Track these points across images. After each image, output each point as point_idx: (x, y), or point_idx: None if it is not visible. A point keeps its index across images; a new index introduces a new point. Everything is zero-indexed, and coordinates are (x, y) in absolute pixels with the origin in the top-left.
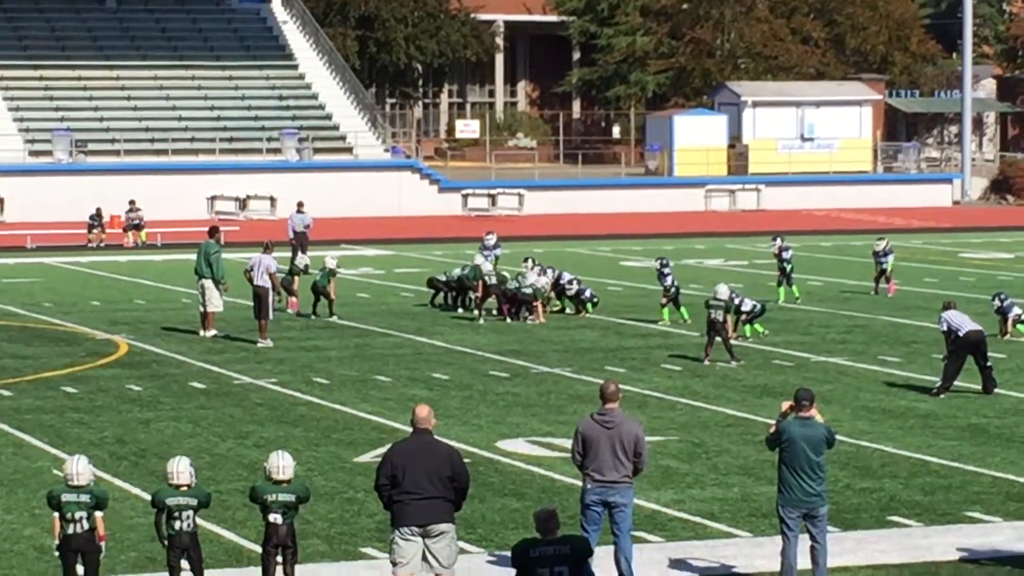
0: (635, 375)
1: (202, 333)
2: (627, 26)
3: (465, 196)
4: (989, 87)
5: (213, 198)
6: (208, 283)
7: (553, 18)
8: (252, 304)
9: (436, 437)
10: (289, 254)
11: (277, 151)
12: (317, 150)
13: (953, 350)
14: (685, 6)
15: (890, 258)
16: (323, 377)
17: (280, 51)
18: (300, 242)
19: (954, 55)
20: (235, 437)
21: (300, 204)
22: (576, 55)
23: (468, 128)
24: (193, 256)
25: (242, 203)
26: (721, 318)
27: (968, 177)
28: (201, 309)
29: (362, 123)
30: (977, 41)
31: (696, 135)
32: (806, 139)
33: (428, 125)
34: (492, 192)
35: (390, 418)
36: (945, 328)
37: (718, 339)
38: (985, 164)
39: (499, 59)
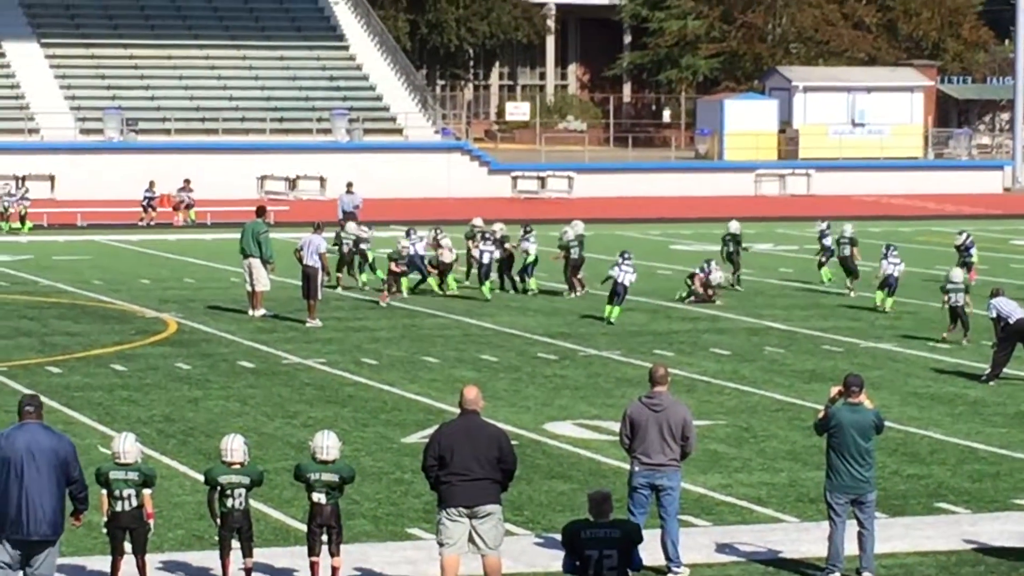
0: (684, 359)
1: (251, 313)
2: (679, 10)
3: (515, 178)
4: None
5: (263, 178)
6: (256, 262)
7: (604, 1)
8: (300, 284)
9: (484, 419)
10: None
11: (327, 131)
12: (367, 131)
13: (1003, 337)
14: None
15: (973, 250)
16: (371, 357)
17: (331, 31)
18: (350, 222)
19: (1007, 42)
20: (283, 417)
21: (349, 184)
22: (627, 38)
23: (518, 110)
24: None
25: (292, 183)
26: (961, 301)
27: (1020, 164)
28: (248, 288)
29: (412, 104)
30: None
31: (746, 120)
32: (857, 124)
33: (478, 107)
34: (542, 175)
35: (437, 399)
36: (995, 315)
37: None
38: None
39: (550, 41)
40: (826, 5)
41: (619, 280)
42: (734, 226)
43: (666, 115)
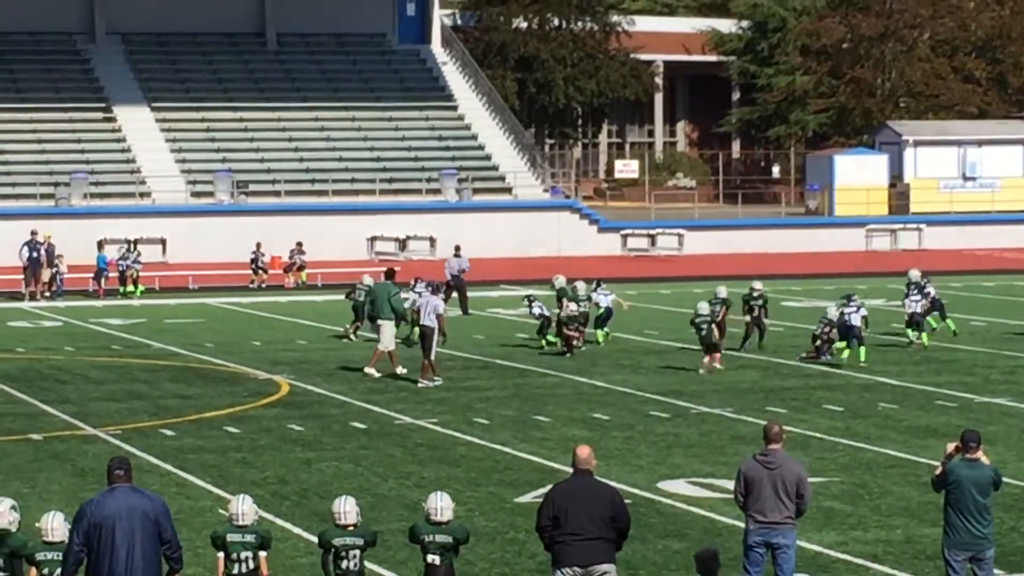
0: (796, 415)
1: (399, 370)
2: (787, 66)
3: (624, 236)
4: None
5: (373, 239)
6: (385, 323)
7: (712, 58)
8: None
9: (597, 478)
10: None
11: (437, 191)
12: (476, 190)
13: None
14: (845, 45)
15: None
16: (483, 417)
17: (440, 92)
18: (458, 285)
19: None
20: (396, 477)
21: (457, 248)
22: (736, 95)
23: (627, 168)
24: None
25: (402, 244)
26: None
27: None
28: (382, 349)
29: (521, 163)
30: None
31: (857, 174)
32: (968, 178)
33: (587, 165)
34: (652, 232)
35: (549, 458)
36: None
37: None
38: None
39: (658, 99)
40: (935, 59)
41: (604, 304)
42: (758, 285)
43: (775, 171)
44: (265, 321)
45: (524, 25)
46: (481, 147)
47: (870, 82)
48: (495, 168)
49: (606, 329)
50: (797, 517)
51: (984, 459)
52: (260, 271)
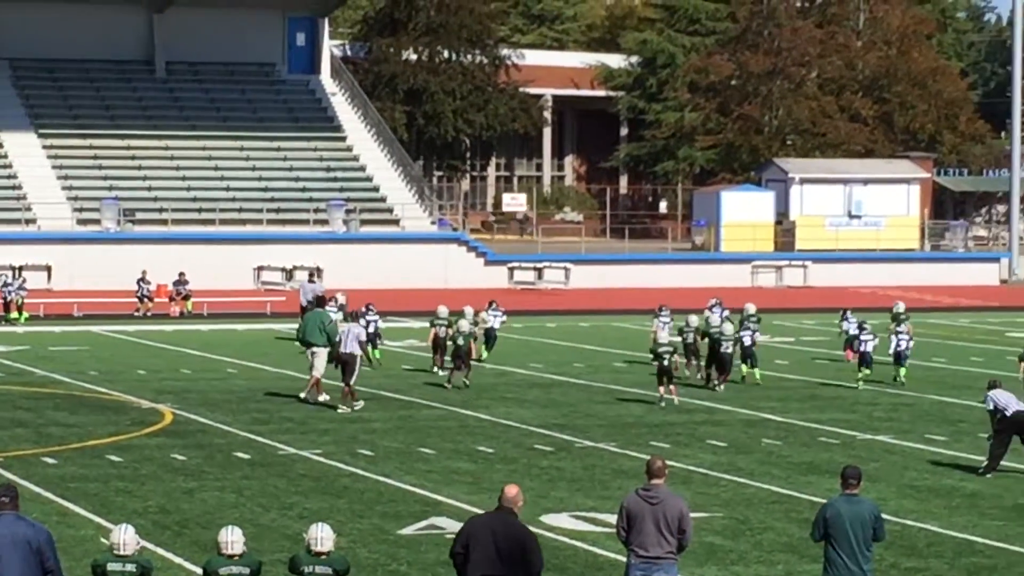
0: (680, 450)
1: (322, 398)
2: (675, 102)
3: (511, 269)
4: None
5: (260, 268)
6: (319, 350)
7: (601, 93)
8: (339, 370)
9: (515, 519)
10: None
11: (324, 222)
12: (364, 222)
13: (999, 429)
14: (734, 82)
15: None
16: (367, 448)
17: (328, 123)
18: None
19: (1003, 134)
20: (279, 508)
21: (312, 273)
22: (624, 130)
23: (515, 201)
24: (238, 326)
25: (288, 273)
26: None
27: (1016, 256)
28: (317, 375)
29: (409, 195)
30: None
31: (743, 211)
32: (853, 216)
33: (475, 198)
34: (538, 265)
35: (433, 491)
36: (991, 407)
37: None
38: None
39: (547, 133)
40: (823, 98)
41: (490, 325)
42: (694, 319)
43: (663, 206)
44: (150, 350)
45: (414, 57)
46: (369, 178)
47: (758, 119)
48: (383, 199)
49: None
50: (679, 552)
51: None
52: (146, 299)
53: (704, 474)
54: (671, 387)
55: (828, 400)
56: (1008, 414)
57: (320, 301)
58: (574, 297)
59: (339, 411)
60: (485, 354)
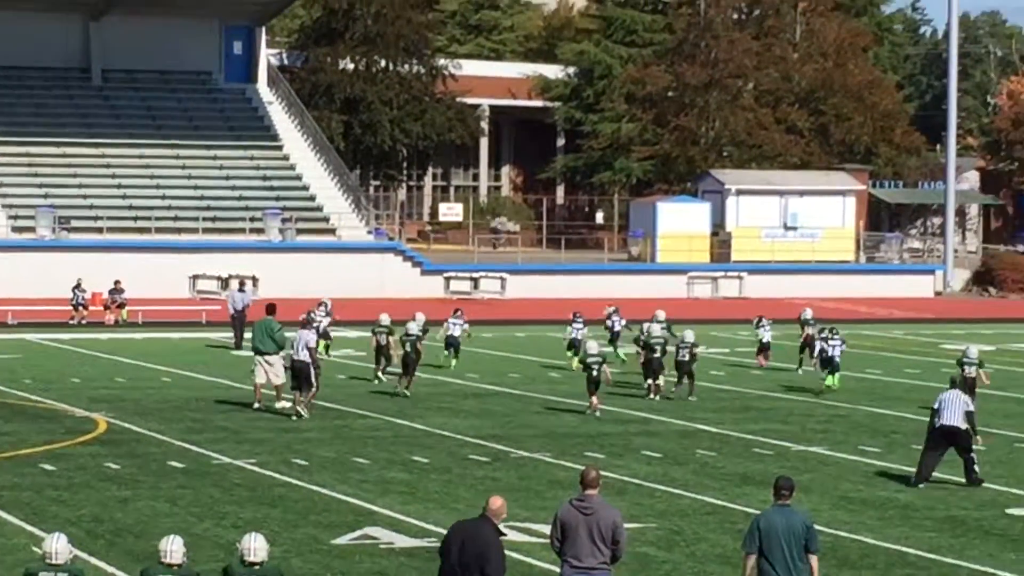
0: (614, 461)
1: (280, 405)
2: (612, 113)
3: (447, 279)
4: (973, 179)
5: (195, 277)
6: (273, 358)
7: (538, 103)
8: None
9: (491, 529)
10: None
11: (260, 231)
12: (300, 231)
13: (929, 439)
14: (670, 94)
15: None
16: (302, 458)
17: (265, 131)
18: (240, 321)
19: (938, 147)
20: (213, 517)
21: (242, 283)
22: (561, 141)
23: (451, 211)
24: (173, 335)
25: (224, 282)
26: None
27: (950, 268)
28: (260, 381)
29: (345, 204)
30: (961, 133)
31: (679, 222)
32: (789, 228)
33: (411, 207)
34: (474, 275)
35: (368, 500)
36: (936, 406)
37: None
38: (968, 256)
39: (484, 143)
40: (759, 109)
41: (451, 332)
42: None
43: (599, 217)
44: (84, 358)
45: (351, 66)
46: (305, 187)
47: (694, 131)
48: (319, 209)
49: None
50: (612, 563)
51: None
52: (81, 307)
53: (638, 485)
54: (594, 398)
55: (763, 411)
56: (937, 425)
57: (270, 309)
58: (510, 307)
59: (300, 416)
60: (454, 363)
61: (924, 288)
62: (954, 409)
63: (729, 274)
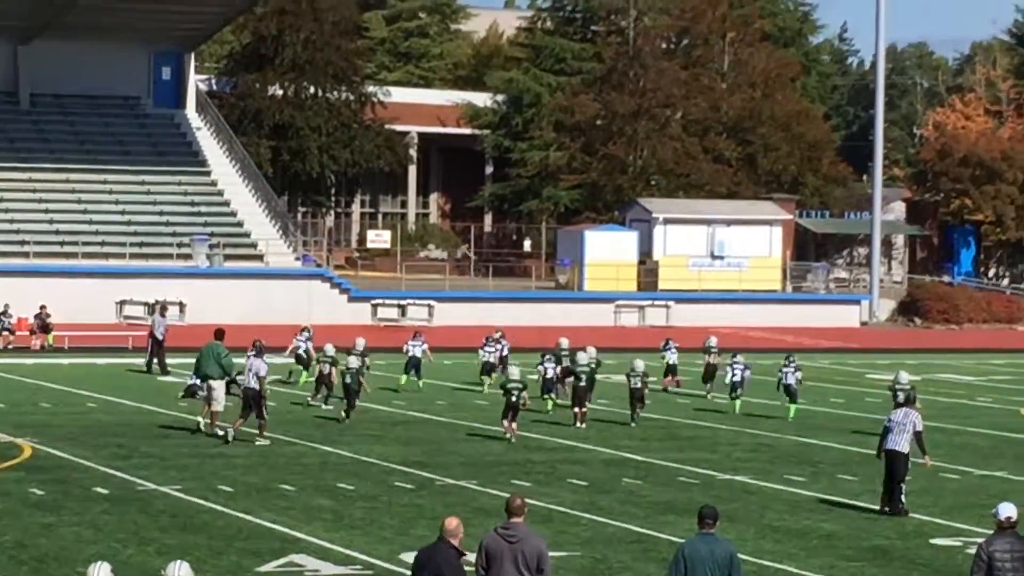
0: (540, 489)
1: (202, 425)
2: (540, 141)
3: (375, 306)
4: (899, 210)
5: (122, 302)
6: (216, 383)
7: (467, 131)
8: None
9: (450, 549)
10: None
11: (188, 257)
12: (228, 257)
13: (884, 463)
14: (599, 122)
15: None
16: (227, 485)
17: (193, 157)
18: (159, 345)
19: (865, 177)
20: (137, 544)
21: (164, 308)
22: (489, 169)
23: (379, 238)
24: (99, 360)
25: (151, 308)
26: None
27: (876, 298)
28: (216, 409)
29: (273, 231)
30: (888, 164)
31: (607, 250)
32: (716, 257)
33: (339, 234)
34: (402, 303)
35: (293, 527)
36: (886, 425)
37: None
38: (893, 286)
39: (412, 170)
40: (687, 139)
41: (412, 353)
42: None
43: (527, 245)
44: (10, 383)
45: (280, 93)
46: (233, 213)
47: (622, 159)
48: (247, 235)
49: (414, 377)
50: None
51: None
52: (6, 332)
53: (564, 513)
54: (514, 424)
55: (688, 440)
56: (885, 447)
57: (218, 334)
58: (438, 334)
59: (256, 443)
60: (421, 383)
61: (850, 318)
62: (901, 430)
63: (656, 303)
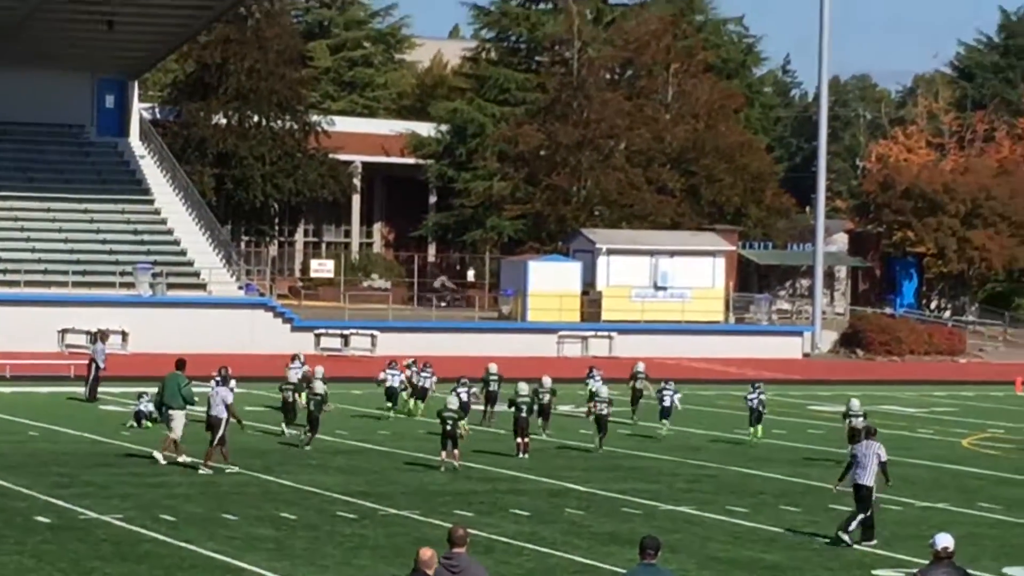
0: (483, 519)
1: (160, 456)
2: (484, 171)
3: (318, 335)
4: (841, 241)
5: (64, 331)
6: (176, 412)
7: (411, 161)
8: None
9: None
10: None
11: (131, 285)
12: (171, 285)
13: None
14: (543, 152)
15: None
16: (169, 514)
17: (137, 185)
18: (97, 373)
19: (807, 209)
20: (78, 573)
21: (104, 335)
22: (433, 198)
23: (323, 268)
24: (41, 389)
25: (94, 337)
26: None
27: (819, 330)
28: (173, 437)
29: (217, 259)
30: (830, 196)
31: (550, 281)
32: (659, 288)
33: (283, 263)
34: (345, 332)
35: (236, 557)
36: (851, 460)
37: None
38: (836, 317)
39: (356, 200)
40: (630, 169)
41: (421, 384)
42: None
43: (470, 275)
44: None
45: (224, 121)
46: (177, 242)
47: (566, 190)
48: (190, 263)
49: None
50: None
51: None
52: None
53: (507, 543)
54: (455, 452)
55: (631, 470)
56: (853, 480)
57: (179, 364)
58: (381, 364)
59: (227, 471)
60: (421, 406)
61: (792, 349)
62: (867, 464)
63: (599, 333)
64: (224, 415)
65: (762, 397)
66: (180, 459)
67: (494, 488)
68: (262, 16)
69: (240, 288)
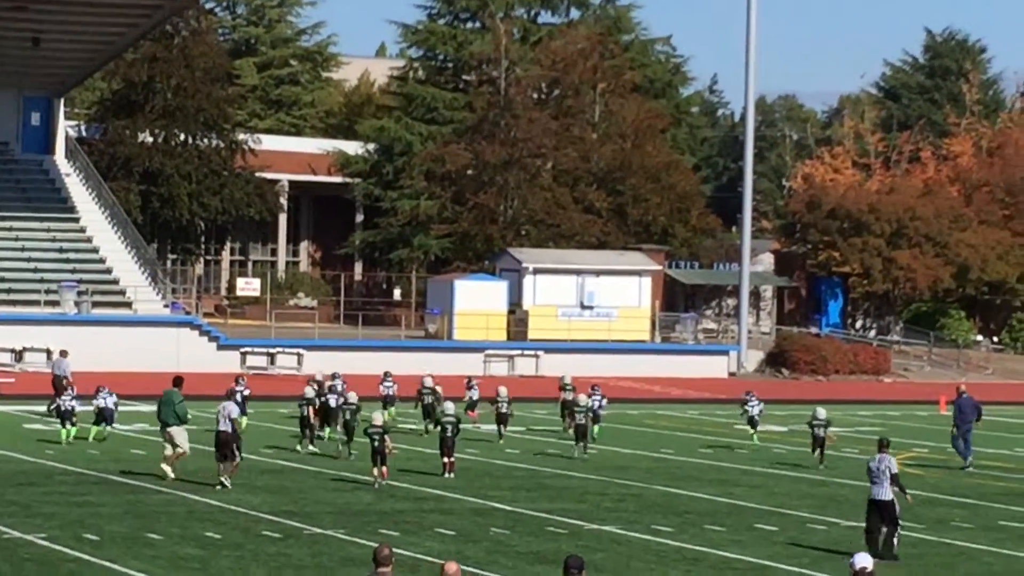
0: (408, 538)
1: (170, 475)
2: (411, 190)
3: (244, 354)
4: (767, 261)
5: None
6: (175, 430)
7: (338, 179)
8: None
9: None
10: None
11: (55, 303)
12: (96, 303)
13: (867, 508)
14: (470, 172)
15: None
16: (93, 533)
17: (62, 203)
18: (59, 387)
19: (734, 228)
20: None
21: (64, 351)
22: (360, 217)
23: (249, 286)
24: None
25: (18, 355)
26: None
27: (745, 349)
28: (167, 453)
29: (142, 278)
30: (756, 216)
31: (477, 300)
32: (586, 307)
33: (209, 282)
34: (271, 351)
35: None
36: (869, 473)
37: None
38: (762, 337)
39: (282, 218)
40: (557, 189)
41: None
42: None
43: (397, 294)
44: None
45: (150, 139)
46: (102, 260)
47: (493, 209)
48: (116, 282)
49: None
50: None
51: None
52: None
53: (432, 562)
54: (383, 468)
55: (557, 490)
56: (870, 496)
57: (176, 381)
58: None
59: (225, 486)
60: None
61: (718, 368)
62: (882, 479)
63: (526, 352)
64: (230, 429)
65: (761, 407)
66: (169, 474)
67: (420, 507)
68: (189, 34)
69: (166, 307)
